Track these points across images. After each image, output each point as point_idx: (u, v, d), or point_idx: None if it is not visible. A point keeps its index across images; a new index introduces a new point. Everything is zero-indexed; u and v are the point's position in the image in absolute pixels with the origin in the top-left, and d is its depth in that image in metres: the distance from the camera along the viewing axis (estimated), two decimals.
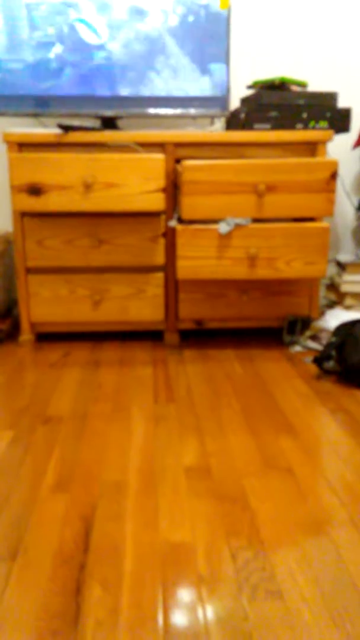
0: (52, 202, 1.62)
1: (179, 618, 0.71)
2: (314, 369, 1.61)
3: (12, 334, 1.92)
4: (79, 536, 0.87)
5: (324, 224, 1.63)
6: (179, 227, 1.60)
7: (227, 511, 0.93)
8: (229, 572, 0.79)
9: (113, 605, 0.73)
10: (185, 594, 0.75)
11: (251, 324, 1.85)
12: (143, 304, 1.80)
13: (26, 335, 1.83)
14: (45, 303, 1.79)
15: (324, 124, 1.76)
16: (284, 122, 1.75)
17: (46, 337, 1.89)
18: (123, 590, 0.76)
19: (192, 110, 1.84)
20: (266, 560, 0.81)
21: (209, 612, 0.72)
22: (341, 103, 2.14)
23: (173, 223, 1.65)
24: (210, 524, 0.90)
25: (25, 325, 1.82)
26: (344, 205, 2.23)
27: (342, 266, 2.02)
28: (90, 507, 0.95)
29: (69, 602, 0.74)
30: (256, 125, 1.75)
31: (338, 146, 2.18)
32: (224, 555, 0.82)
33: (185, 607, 0.72)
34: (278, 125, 1.75)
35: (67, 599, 0.74)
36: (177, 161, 1.74)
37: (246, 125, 1.75)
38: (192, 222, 1.63)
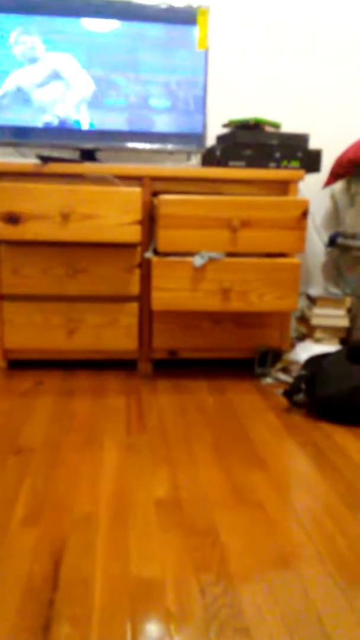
0: (29, 231, 1.63)
1: None
2: (284, 401, 1.64)
3: None
4: (48, 571, 0.87)
5: (295, 260, 1.68)
6: (155, 258, 1.63)
7: (197, 545, 0.94)
8: (197, 608, 0.79)
9: None
10: (153, 630, 0.75)
11: (224, 354, 1.88)
12: (117, 334, 1.82)
13: None
14: (19, 330, 1.79)
15: (295, 163, 1.83)
16: (258, 160, 1.81)
17: (19, 365, 1.88)
18: (92, 627, 0.76)
19: (169, 146, 1.89)
20: (234, 596, 0.82)
21: None
22: (312, 144, 2.23)
23: (149, 254, 1.68)
24: (180, 558, 0.91)
25: None
26: (314, 241, 2.30)
27: (312, 300, 2.08)
28: (61, 541, 0.94)
29: (37, 638, 0.73)
30: (231, 163, 1.81)
31: (309, 185, 2.26)
32: (193, 590, 0.83)
33: None
34: (252, 163, 1.81)
35: (36, 635, 0.74)
36: (154, 194, 1.78)
37: (221, 162, 1.81)
38: (167, 254, 1.66)
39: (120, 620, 0.77)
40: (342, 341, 2.09)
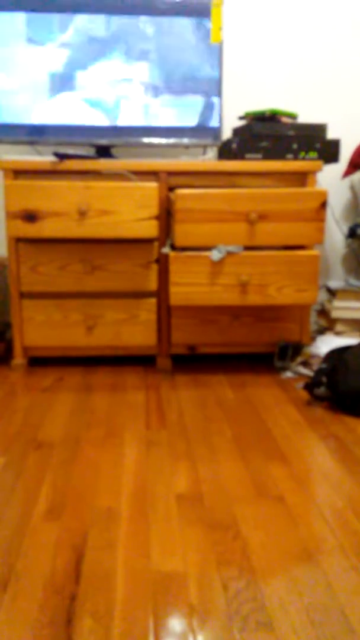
0: (46, 228, 1.64)
1: None
2: (305, 395, 1.62)
3: (5, 357, 1.93)
4: (70, 565, 0.87)
5: (314, 251, 1.66)
6: (172, 253, 1.63)
7: (218, 539, 0.94)
8: (220, 602, 0.79)
9: (104, 636, 0.73)
10: (176, 624, 0.75)
11: (243, 349, 1.87)
12: (136, 329, 1.82)
13: (19, 359, 1.83)
14: (39, 327, 1.80)
15: (313, 154, 1.81)
16: (275, 152, 1.79)
17: (39, 362, 1.90)
18: (114, 621, 0.75)
19: (185, 140, 1.88)
20: (257, 590, 0.81)
21: None
22: (330, 134, 2.20)
23: (166, 250, 1.68)
24: (201, 552, 0.90)
25: (18, 349, 1.82)
26: (333, 232, 2.27)
27: (332, 292, 2.05)
28: (82, 535, 0.95)
29: (60, 633, 0.73)
30: (248, 155, 1.79)
31: (328, 175, 2.23)
32: (215, 584, 0.83)
33: (176, 638, 0.72)
34: (269, 155, 1.79)
35: (58, 629, 0.74)
36: (171, 189, 1.77)
37: (238, 155, 1.79)
38: (184, 249, 1.65)
39: (143, 614, 0.77)
40: None
